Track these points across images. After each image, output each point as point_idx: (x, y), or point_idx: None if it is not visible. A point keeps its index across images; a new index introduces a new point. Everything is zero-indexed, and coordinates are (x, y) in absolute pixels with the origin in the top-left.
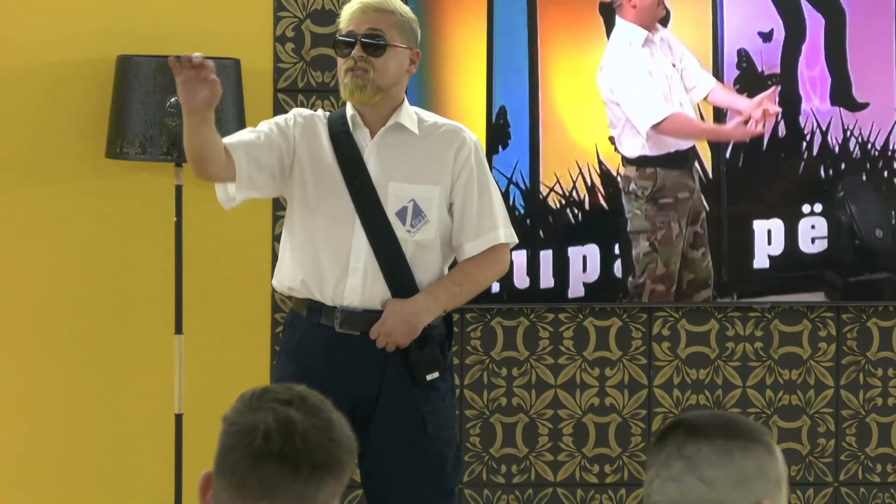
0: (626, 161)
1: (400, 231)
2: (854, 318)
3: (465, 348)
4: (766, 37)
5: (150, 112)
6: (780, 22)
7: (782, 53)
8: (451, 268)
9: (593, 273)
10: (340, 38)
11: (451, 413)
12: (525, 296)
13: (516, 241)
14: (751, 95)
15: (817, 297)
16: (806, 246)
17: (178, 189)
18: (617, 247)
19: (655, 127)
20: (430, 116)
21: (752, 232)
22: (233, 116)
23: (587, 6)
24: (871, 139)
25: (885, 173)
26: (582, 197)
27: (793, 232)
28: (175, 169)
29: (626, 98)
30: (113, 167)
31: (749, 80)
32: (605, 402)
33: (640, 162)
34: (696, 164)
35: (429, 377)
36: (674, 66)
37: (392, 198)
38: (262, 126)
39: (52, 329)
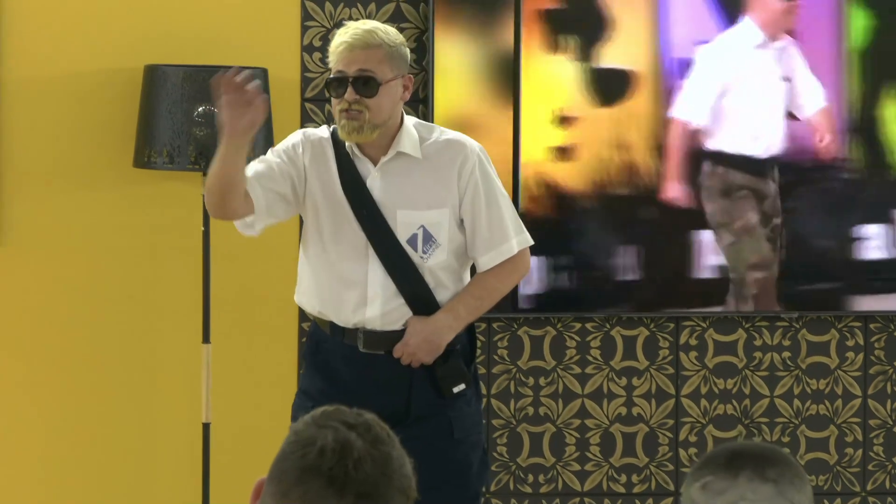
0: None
1: (414, 257)
2: (882, 328)
3: (492, 357)
4: None
5: (177, 121)
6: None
7: None
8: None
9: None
10: (331, 77)
11: (477, 418)
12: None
13: (531, 242)
14: None
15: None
16: None
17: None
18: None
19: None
20: (430, 132)
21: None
22: (260, 126)
23: None
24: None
25: None
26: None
27: None
28: (202, 178)
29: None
30: (141, 176)
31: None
32: (632, 412)
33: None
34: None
35: (455, 390)
36: (786, 79)
37: (401, 225)
38: (271, 157)
39: (81, 337)
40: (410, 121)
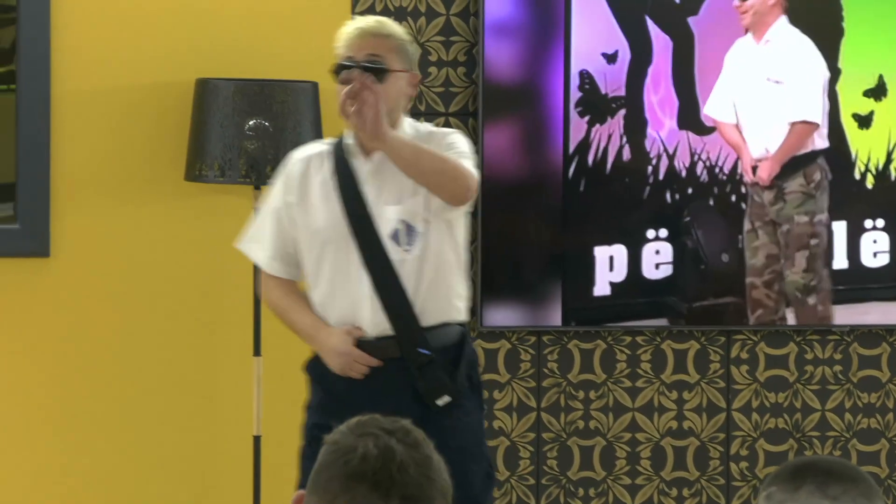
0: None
1: (397, 253)
2: None
3: (541, 371)
4: (611, 58)
5: (228, 135)
6: (626, 43)
7: (627, 75)
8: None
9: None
10: (340, 64)
11: (476, 429)
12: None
13: (477, 177)
14: (594, 118)
15: (660, 323)
16: (650, 272)
17: (257, 211)
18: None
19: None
20: (424, 129)
21: (593, 258)
22: (311, 139)
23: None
24: (719, 163)
25: (733, 198)
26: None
27: (636, 257)
28: (254, 192)
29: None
30: (192, 190)
31: (592, 103)
32: (683, 426)
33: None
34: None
35: (439, 402)
36: (769, 79)
37: (385, 221)
38: (268, 222)
39: (131, 350)
40: (408, 120)
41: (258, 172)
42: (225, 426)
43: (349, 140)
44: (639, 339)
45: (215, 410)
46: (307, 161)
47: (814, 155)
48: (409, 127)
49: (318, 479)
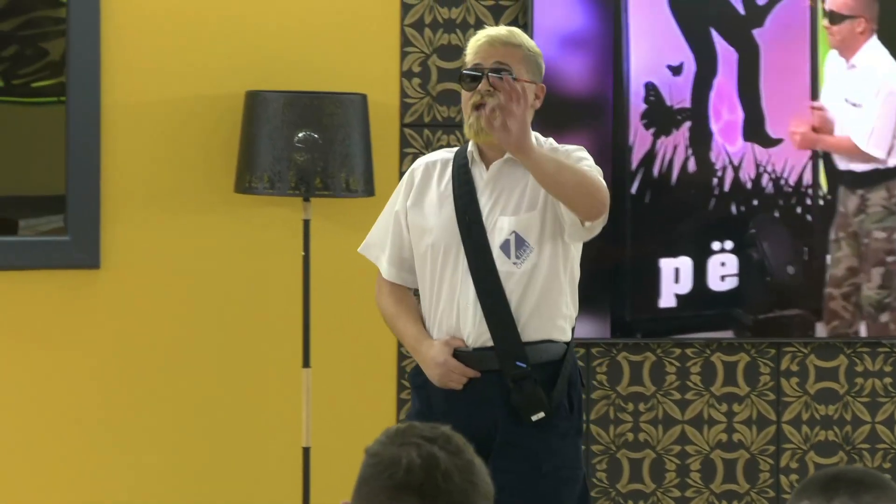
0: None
1: (505, 264)
2: None
3: (591, 383)
4: (676, 70)
5: (278, 147)
6: (691, 55)
7: (693, 87)
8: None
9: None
10: (467, 71)
11: (572, 452)
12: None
13: (608, 195)
14: (659, 130)
15: (726, 335)
16: (715, 283)
17: (306, 223)
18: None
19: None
20: (547, 144)
21: (658, 270)
22: (360, 151)
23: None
24: (785, 175)
25: (798, 210)
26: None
27: (702, 269)
28: (303, 203)
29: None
30: (242, 201)
31: (657, 115)
32: (732, 438)
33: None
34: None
35: (534, 417)
36: (847, 101)
37: (497, 231)
38: (386, 227)
39: (179, 361)
40: (533, 133)
41: (307, 184)
42: (274, 438)
43: (471, 148)
44: (688, 351)
45: (264, 422)
46: (428, 167)
47: None
48: (533, 140)
49: (361, 490)
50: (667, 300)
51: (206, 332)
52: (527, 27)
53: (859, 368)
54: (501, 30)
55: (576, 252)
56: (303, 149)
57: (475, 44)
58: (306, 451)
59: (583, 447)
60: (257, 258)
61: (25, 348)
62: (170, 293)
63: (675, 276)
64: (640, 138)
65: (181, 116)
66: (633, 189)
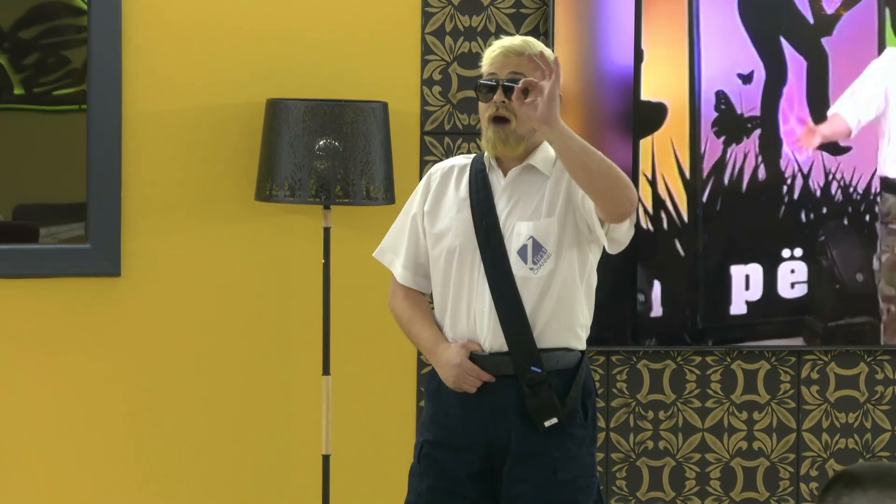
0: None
1: (522, 270)
2: None
3: (611, 391)
4: (746, 78)
5: (298, 155)
6: (761, 64)
7: (763, 95)
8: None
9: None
10: (482, 82)
11: (588, 461)
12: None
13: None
14: (730, 138)
15: (796, 342)
16: (785, 291)
17: (327, 231)
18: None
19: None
20: None
21: (729, 277)
22: (380, 159)
23: None
24: (854, 183)
25: (867, 217)
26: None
27: (772, 276)
28: (323, 211)
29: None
30: (262, 209)
31: (728, 122)
32: (752, 446)
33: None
34: (671, 207)
35: (547, 423)
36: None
37: (515, 236)
38: (402, 232)
39: (200, 368)
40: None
41: (328, 192)
42: (294, 445)
43: (488, 155)
44: (708, 359)
45: (284, 429)
46: (446, 172)
47: None
48: (549, 151)
49: None
50: (737, 307)
51: (226, 339)
52: (547, 35)
53: (879, 376)
54: (516, 40)
55: (593, 260)
56: (323, 156)
57: (490, 55)
58: (326, 458)
59: (599, 455)
60: (278, 266)
61: (46, 356)
62: (190, 301)
63: (745, 283)
64: (710, 146)
65: (202, 124)
66: (705, 197)
